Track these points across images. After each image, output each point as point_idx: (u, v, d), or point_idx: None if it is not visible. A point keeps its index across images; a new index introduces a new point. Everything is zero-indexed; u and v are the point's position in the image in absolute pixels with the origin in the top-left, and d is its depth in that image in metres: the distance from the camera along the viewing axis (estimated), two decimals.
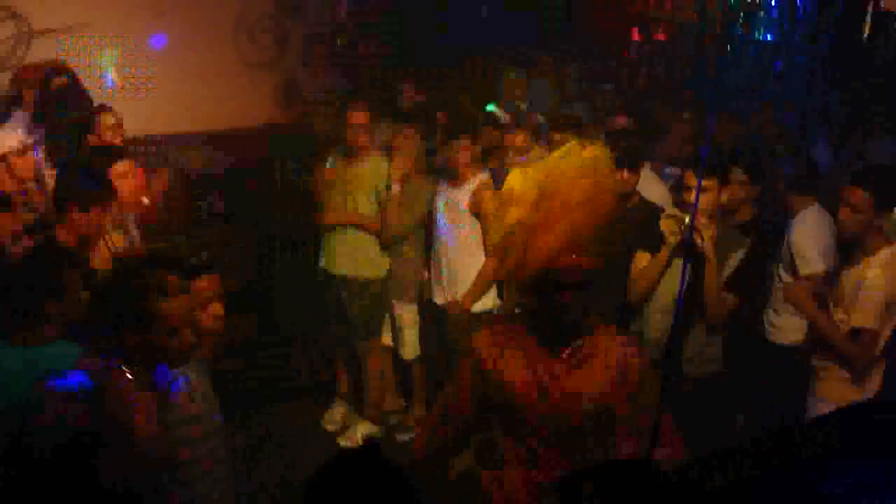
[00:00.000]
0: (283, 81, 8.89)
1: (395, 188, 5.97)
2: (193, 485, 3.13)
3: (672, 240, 4.82)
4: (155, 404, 2.90)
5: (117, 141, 5.81)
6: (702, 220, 4.77)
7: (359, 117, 6.03)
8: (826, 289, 4.97)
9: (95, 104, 6.21)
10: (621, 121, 6.57)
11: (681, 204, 5.04)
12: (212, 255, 3.26)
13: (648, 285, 4.93)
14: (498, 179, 5.70)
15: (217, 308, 3.27)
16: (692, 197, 4.89)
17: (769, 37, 8.76)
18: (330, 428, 6.55)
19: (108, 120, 5.83)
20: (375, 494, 2.06)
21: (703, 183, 4.91)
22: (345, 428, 6.50)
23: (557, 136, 5.69)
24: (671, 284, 4.91)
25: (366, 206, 6.12)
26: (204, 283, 3.21)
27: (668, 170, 5.83)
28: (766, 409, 5.45)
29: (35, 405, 2.89)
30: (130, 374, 2.82)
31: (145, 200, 5.40)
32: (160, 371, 2.99)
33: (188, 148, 8.04)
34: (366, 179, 6.09)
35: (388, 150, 6.16)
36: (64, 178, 4.85)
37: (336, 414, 6.60)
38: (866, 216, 4.62)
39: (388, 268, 6.21)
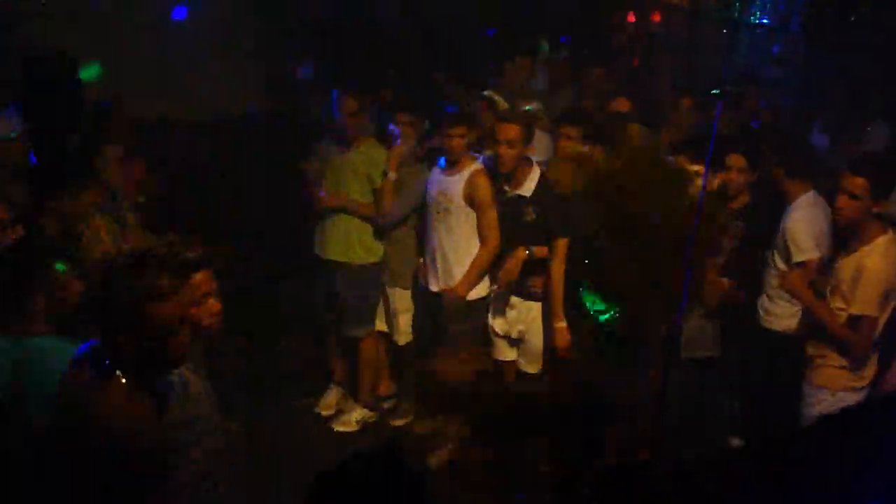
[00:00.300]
0: (271, 69, 8.82)
1: (392, 174, 5.95)
2: (192, 488, 3.09)
3: None
4: (152, 409, 2.85)
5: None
6: None
7: (350, 104, 5.99)
8: (821, 276, 4.97)
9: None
10: (623, 105, 6.49)
11: None
12: (207, 250, 3.19)
13: None
14: (491, 168, 5.66)
15: (213, 304, 3.22)
16: None
17: (766, 20, 8.72)
18: (325, 413, 6.54)
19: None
20: (391, 497, 2.02)
21: (695, 167, 4.92)
22: (339, 413, 6.49)
23: (569, 131, 5.68)
24: None
25: (359, 193, 6.10)
26: (200, 279, 3.15)
27: (669, 159, 5.79)
28: (761, 395, 5.46)
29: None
30: (125, 379, 2.77)
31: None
32: (156, 375, 2.95)
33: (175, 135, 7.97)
34: (358, 166, 6.07)
35: (381, 137, 6.13)
36: (44, 165, 4.82)
37: (330, 399, 6.59)
38: (864, 204, 4.61)
39: (382, 254, 6.20)
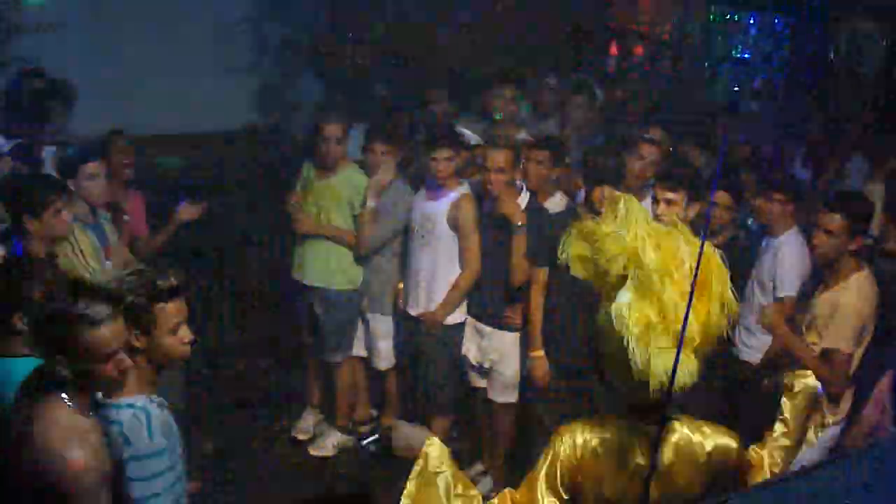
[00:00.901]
0: (261, 86, 8.84)
1: (371, 202, 5.95)
2: None
3: None
4: (97, 431, 2.87)
5: (128, 168, 5.84)
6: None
7: (333, 129, 5.98)
8: (796, 312, 5.02)
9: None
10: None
11: (654, 217, 5.09)
12: (179, 278, 3.18)
13: None
14: (478, 193, 5.67)
15: (185, 332, 3.20)
16: (661, 209, 4.98)
17: (747, 55, 8.80)
18: (301, 437, 6.51)
19: (119, 142, 5.86)
20: None
21: (670, 195, 4.96)
22: (316, 437, 6.47)
23: (537, 154, 5.67)
24: None
25: (339, 218, 6.09)
26: (171, 309, 3.14)
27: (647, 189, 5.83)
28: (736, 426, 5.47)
29: None
30: (70, 400, 2.81)
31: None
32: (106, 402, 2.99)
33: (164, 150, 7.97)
34: (339, 191, 6.07)
35: (363, 162, 6.12)
36: (11, 184, 4.78)
37: (307, 423, 6.56)
38: (840, 241, 4.65)
39: (361, 280, 6.19)
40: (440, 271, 5.77)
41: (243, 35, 9.07)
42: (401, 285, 6.09)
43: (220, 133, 8.31)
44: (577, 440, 2.97)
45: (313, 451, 6.36)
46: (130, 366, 2.92)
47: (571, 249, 2.94)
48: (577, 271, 2.95)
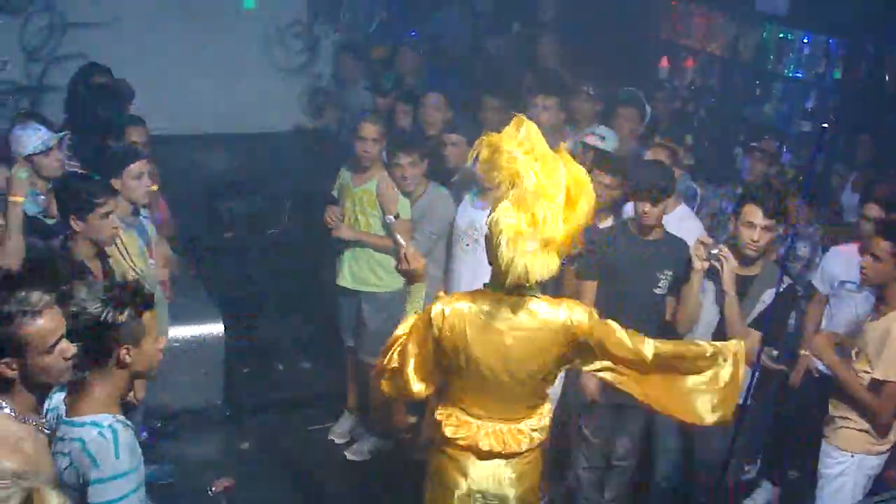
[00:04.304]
0: (312, 88, 8.88)
1: (391, 219, 5.83)
2: None
3: (699, 266, 4.85)
4: (35, 442, 2.81)
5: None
6: (724, 251, 4.79)
7: (370, 130, 5.90)
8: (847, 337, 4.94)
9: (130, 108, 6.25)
10: (660, 154, 6.25)
11: (732, 238, 4.99)
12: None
13: (689, 314, 4.94)
14: None
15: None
16: (757, 235, 4.77)
17: (800, 74, 8.68)
18: (338, 441, 6.50)
19: (134, 135, 5.82)
20: None
21: (766, 223, 4.78)
22: (352, 442, 6.46)
23: (606, 179, 5.42)
24: (704, 315, 4.96)
25: (375, 224, 6.00)
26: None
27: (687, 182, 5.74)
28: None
29: None
30: (7, 405, 2.76)
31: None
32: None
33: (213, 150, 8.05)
34: (375, 196, 5.95)
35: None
36: (59, 185, 4.78)
37: (344, 427, 6.56)
38: (889, 266, 4.58)
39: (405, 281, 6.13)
40: (485, 280, 5.69)
41: (295, 37, 9.18)
42: (442, 293, 6.02)
43: (268, 133, 8.37)
44: (455, 306, 3.73)
45: (350, 456, 6.34)
46: (74, 352, 2.81)
47: (480, 155, 3.51)
48: (482, 172, 3.60)
